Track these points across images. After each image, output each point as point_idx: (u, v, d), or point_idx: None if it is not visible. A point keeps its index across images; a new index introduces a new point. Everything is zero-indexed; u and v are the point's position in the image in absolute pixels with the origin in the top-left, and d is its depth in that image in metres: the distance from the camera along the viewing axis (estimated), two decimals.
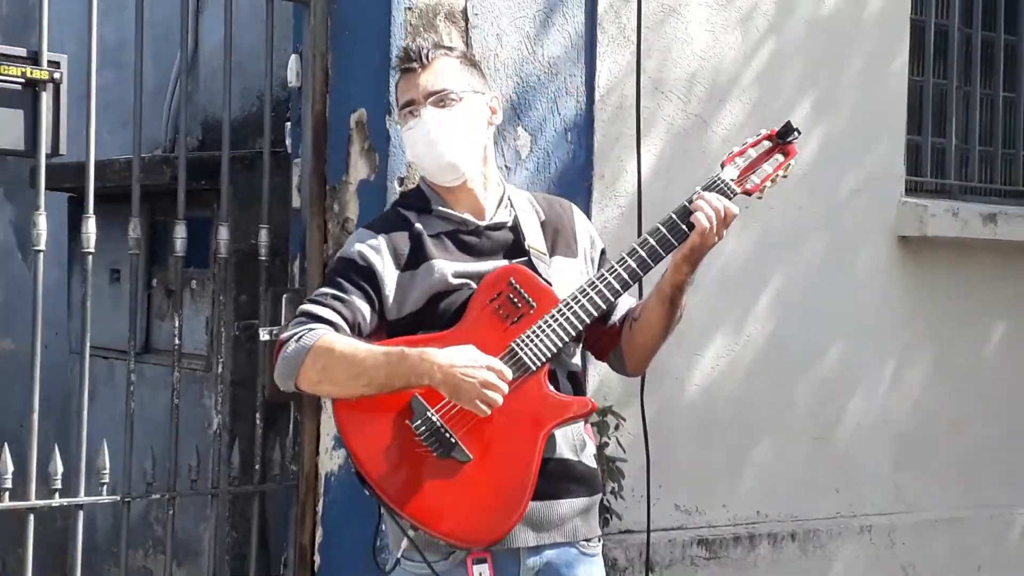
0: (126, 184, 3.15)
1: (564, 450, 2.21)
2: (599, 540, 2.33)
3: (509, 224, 2.28)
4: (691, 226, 2.14)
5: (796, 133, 2.19)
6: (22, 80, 2.69)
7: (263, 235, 3.04)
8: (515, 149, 3.12)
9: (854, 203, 3.82)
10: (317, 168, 3.08)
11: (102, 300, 3.60)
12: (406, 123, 2.25)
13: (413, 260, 2.21)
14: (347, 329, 2.19)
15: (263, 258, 3.06)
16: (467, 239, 2.25)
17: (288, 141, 3.21)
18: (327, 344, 2.13)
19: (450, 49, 2.32)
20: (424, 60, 2.21)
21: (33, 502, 2.72)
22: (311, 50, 3.03)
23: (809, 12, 3.70)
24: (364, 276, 2.22)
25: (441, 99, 2.18)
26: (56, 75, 2.73)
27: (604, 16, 3.23)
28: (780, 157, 2.22)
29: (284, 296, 3.08)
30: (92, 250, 2.83)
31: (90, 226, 2.80)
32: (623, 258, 2.19)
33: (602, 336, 2.36)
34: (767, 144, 2.21)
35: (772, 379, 3.63)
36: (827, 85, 3.77)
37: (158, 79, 3.69)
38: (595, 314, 2.20)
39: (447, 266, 2.19)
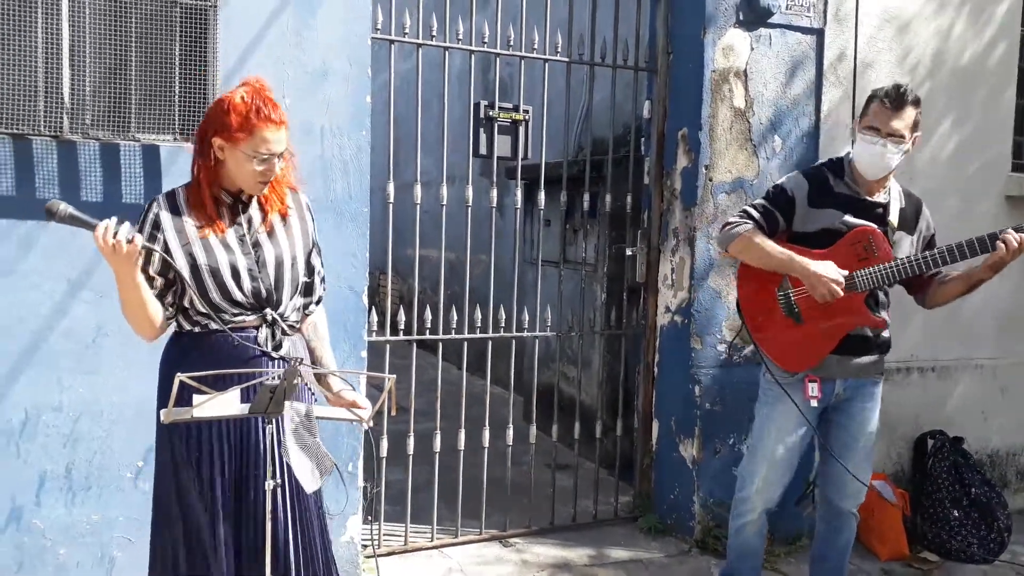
0: (556, 174, 4.14)
1: (867, 331, 2.71)
2: (882, 376, 2.79)
3: (883, 204, 2.65)
4: (994, 245, 2.45)
5: None
6: (510, 120, 3.82)
7: (628, 199, 4.03)
8: (772, 147, 3.83)
9: (978, 176, 4.34)
10: (658, 161, 4.00)
11: (541, 235, 4.20)
12: (867, 136, 2.54)
13: (820, 203, 2.62)
14: (765, 228, 2.66)
15: (628, 211, 4.04)
16: (856, 204, 2.64)
17: (642, 148, 4.12)
18: (749, 235, 2.62)
19: (916, 102, 2.56)
20: (899, 104, 2.50)
21: (514, 334, 3.79)
22: (657, 96, 3.99)
23: (951, 64, 4.30)
24: (786, 201, 2.67)
25: (896, 140, 2.56)
26: (526, 118, 3.84)
27: (827, 70, 3.94)
28: None
29: (639, 232, 4.00)
30: (543, 208, 3.92)
31: (541, 196, 3.87)
32: (940, 249, 2.53)
33: (916, 282, 2.76)
34: None
35: None
36: (961, 107, 4.30)
37: (569, 120, 4.18)
38: (906, 276, 2.54)
39: (840, 215, 2.61)
